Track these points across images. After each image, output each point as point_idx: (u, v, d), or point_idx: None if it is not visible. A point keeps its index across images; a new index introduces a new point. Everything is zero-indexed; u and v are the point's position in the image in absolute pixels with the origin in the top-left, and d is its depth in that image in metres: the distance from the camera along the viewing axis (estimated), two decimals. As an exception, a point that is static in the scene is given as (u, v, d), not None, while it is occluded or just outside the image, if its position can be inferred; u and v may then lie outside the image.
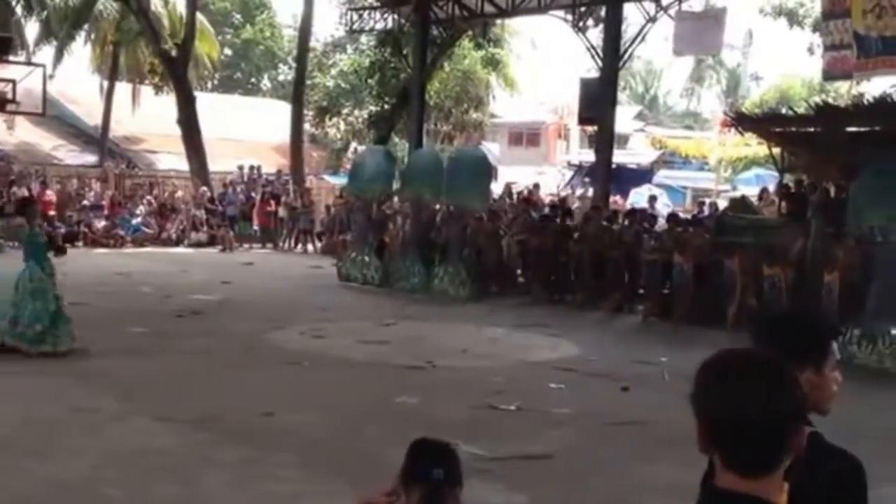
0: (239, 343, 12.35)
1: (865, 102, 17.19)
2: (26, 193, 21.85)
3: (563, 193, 29.53)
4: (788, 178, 19.55)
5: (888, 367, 11.78)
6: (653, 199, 25.09)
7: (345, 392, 10.00)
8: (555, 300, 17.53)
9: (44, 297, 10.96)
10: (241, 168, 30.42)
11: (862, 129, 16.70)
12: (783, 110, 20.82)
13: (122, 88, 36.18)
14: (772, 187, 22.16)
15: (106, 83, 35.63)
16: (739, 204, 20.13)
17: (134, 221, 26.23)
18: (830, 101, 23.66)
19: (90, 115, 36.89)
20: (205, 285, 17.90)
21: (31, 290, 10.95)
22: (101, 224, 25.68)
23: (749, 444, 1.93)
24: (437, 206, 19.40)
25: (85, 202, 26.32)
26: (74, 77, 37.22)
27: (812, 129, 17.65)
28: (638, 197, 28.96)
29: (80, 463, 7.29)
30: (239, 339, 12.65)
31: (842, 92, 33.47)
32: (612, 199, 22.75)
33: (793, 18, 28.50)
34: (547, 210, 21.01)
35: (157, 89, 33.54)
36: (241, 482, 7.07)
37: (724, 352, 2.02)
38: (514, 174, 35.45)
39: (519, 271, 19.22)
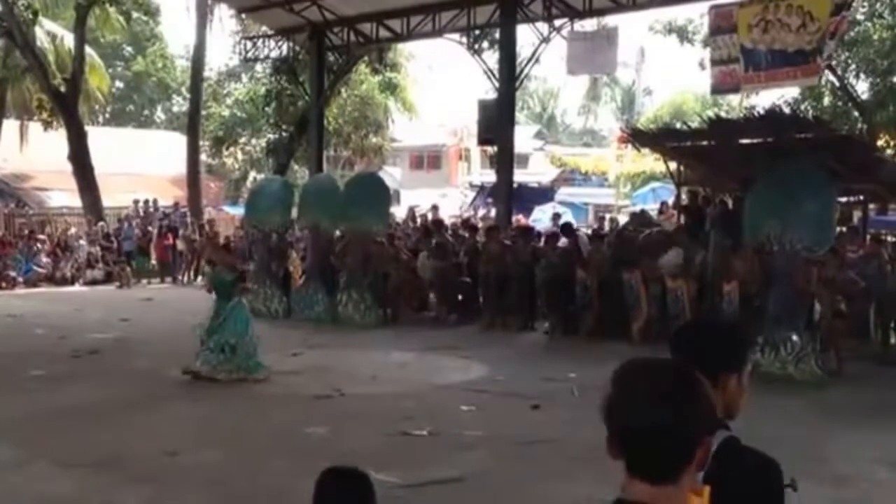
0: (139, 381, 11.98)
1: (756, 115, 17.53)
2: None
3: (465, 214, 29.58)
4: (685, 192, 19.86)
5: (791, 373, 11.97)
6: (557, 216, 25.31)
7: (252, 426, 9.77)
8: (463, 321, 17.48)
9: (220, 330, 12.08)
10: (136, 202, 29.78)
11: (754, 140, 17.03)
12: (677, 125, 21.12)
13: (10, 125, 35.18)
14: (671, 201, 22.50)
15: (-8, 121, 34.60)
16: (640, 218, 20.37)
17: (25, 261, 25.41)
18: (723, 114, 24.15)
19: (-23, 154, 35.76)
20: (102, 324, 17.38)
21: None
22: (-10, 266, 24.84)
23: (655, 452, 1.92)
24: (337, 233, 19.20)
25: (-27, 243, 25.44)
26: (-41, 116, 36.03)
27: (706, 143, 17.93)
28: (542, 215, 29.19)
29: (-27, 514, 6.96)
30: (139, 377, 12.28)
31: (734, 105, 34.27)
32: (514, 218, 22.84)
33: (683, 35, 29.03)
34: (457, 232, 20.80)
35: (47, 125, 32.65)
36: (145, 526, 6.81)
37: (633, 361, 2.02)
38: (416, 197, 35.48)
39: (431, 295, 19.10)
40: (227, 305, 12.19)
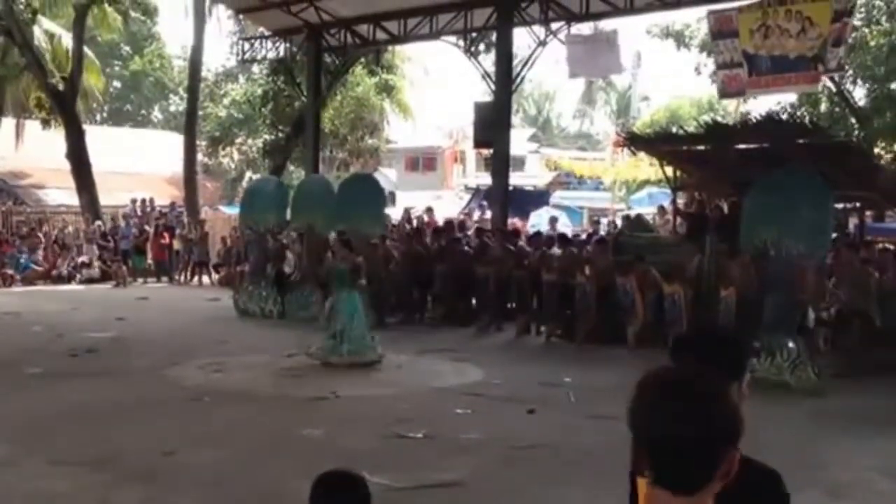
0: (136, 380, 11.97)
1: (752, 120, 17.55)
2: None
3: (460, 217, 29.56)
4: (682, 196, 19.85)
5: (787, 379, 11.97)
6: (553, 220, 25.32)
7: (248, 427, 9.76)
8: (459, 324, 17.46)
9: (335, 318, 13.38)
10: (133, 201, 29.78)
11: (751, 146, 17.05)
12: (674, 129, 21.11)
13: (6, 123, 35.14)
14: (667, 205, 22.50)
15: (-10, 119, 34.56)
16: (635, 223, 20.36)
17: (22, 259, 25.40)
18: (719, 119, 24.16)
19: (-26, 151, 35.70)
20: (99, 322, 17.38)
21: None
22: (-13, 263, 24.82)
23: (679, 464, 1.91)
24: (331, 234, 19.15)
25: (-30, 240, 25.44)
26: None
27: (702, 148, 17.95)
28: (538, 219, 29.19)
29: (-31, 513, 6.95)
30: (136, 376, 12.27)
31: (730, 110, 34.25)
32: (510, 221, 22.83)
33: (680, 40, 29.03)
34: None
35: (45, 123, 32.67)
36: (142, 526, 6.80)
37: (657, 370, 2.01)
38: (411, 199, 35.46)
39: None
40: (342, 295, 13.34)
